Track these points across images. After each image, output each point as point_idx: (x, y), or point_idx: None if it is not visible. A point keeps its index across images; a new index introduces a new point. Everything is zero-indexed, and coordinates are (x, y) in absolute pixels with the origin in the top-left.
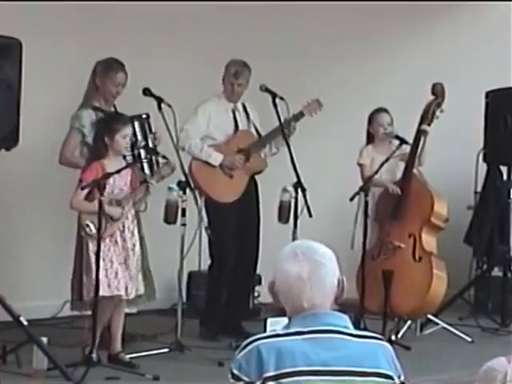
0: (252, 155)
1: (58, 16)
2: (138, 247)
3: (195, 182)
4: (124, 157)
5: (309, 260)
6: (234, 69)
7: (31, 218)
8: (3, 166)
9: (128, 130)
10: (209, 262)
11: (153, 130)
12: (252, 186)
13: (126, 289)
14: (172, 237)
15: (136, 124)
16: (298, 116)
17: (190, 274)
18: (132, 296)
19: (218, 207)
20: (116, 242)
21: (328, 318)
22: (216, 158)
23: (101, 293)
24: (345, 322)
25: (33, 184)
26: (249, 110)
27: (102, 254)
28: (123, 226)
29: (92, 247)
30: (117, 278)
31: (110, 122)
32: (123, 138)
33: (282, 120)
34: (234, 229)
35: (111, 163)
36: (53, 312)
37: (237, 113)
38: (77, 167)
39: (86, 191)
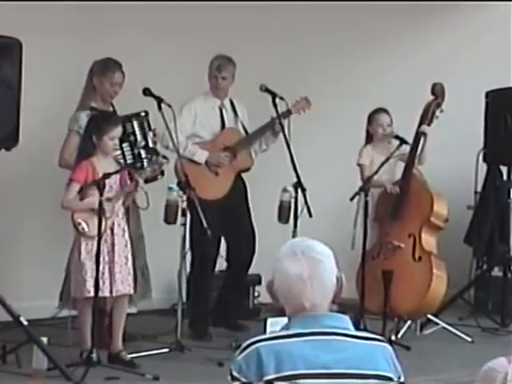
0: (238, 153)
1: (58, 16)
2: (129, 244)
3: (180, 179)
4: (124, 156)
5: (308, 259)
6: (217, 62)
7: (31, 218)
8: (3, 165)
9: (117, 132)
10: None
11: (152, 126)
12: (239, 184)
13: (111, 290)
14: (172, 237)
15: (135, 123)
16: (286, 114)
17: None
18: (118, 294)
19: (201, 205)
20: (106, 240)
21: (328, 320)
22: (200, 156)
23: (86, 294)
24: (345, 323)
25: (33, 184)
26: (237, 106)
27: (91, 253)
28: (113, 224)
29: (84, 246)
30: (102, 278)
31: (99, 122)
32: (111, 139)
33: (270, 118)
34: (219, 228)
35: (100, 162)
36: (53, 312)
37: (224, 110)
38: None
39: (76, 190)
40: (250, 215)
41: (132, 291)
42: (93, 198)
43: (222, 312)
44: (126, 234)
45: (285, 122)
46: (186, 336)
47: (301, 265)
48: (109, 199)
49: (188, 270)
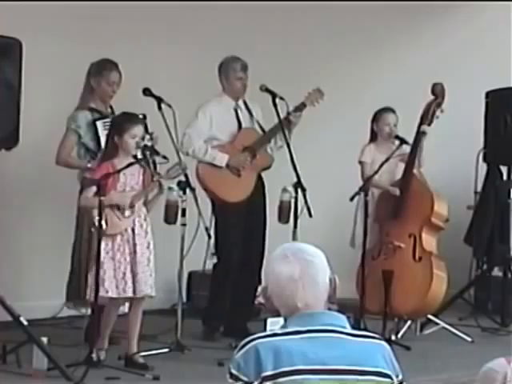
0: (258, 152)
1: (58, 16)
2: (152, 246)
3: (203, 184)
4: (135, 157)
5: (299, 260)
6: (240, 63)
7: (31, 218)
8: (3, 165)
9: (137, 130)
10: (214, 260)
11: (149, 130)
12: (259, 184)
13: (135, 290)
14: (172, 237)
15: None
16: (300, 107)
17: (190, 274)
18: (141, 295)
19: (225, 208)
20: (128, 240)
21: (325, 318)
22: (221, 160)
23: (109, 294)
24: (342, 321)
25: (33, 184)
26: (250, 106)
27: (111, 252)
28: (134, 224)
29: (103, 245)
30: (124, 278)
31: (119, 122)
32: (132, 137)
33: (284, 114)
34: (242, 228)
35: (121, 163)
36: (53, 312)
37: (239, 111)
38: (73, 168)
39: (94, 189)
40: (266, 216)
41: (153, 293)
42: (110, 195)
43: (235, 318)
44: (149, 236)
45: (298, 116)
46: (195, 335)
47: (292, 266)
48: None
49: (188, 270)
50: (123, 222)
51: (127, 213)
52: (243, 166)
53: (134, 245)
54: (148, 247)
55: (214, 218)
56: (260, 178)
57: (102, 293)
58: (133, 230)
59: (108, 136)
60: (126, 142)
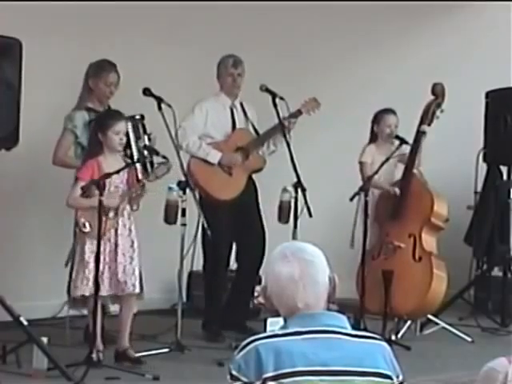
0: (251, 153)
1: (58, 16)
2: (136, 244)
3: (194, 179)
4: (131, 156)
5: (299, 260)
6: (231, 59)
7: (31, 218)
8: (2, 166)
9: (121, 126)
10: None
11: (147, 131)
12: (250, 185)
13: (111, 289)
14: (172, 237)
15: (129, 124)
16: (296, 114)
17: (190, 274)
18: (125, 293)
19: (213, 206)
20: (109, 240)
21: (326, 319)
22: (214, 156)
23: (82, 292)
24: (342, 322)
25: (33, 184)
26: (246, 108)
27: (93, 253)
28: (117, 223)
29: (89, 245)
30: (101, 277)
31: (102, 119)
32: (116, 134)
33: (282, 117)
34: (230, 228)
35: (107, 160)
36: (53, 312)
37: (235, 111)
38: (70, 168)
39: (80, 190)
40: (261, 216)
41: (137, 290)
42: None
43: (232, 314)
44: (133, 234)
45: (293, 122)
46: (195, 335)
47: (292, 266)
48: (112, 196)
49: (188, 270)
50: (107, 223)
51: (111, 214)
52: (234, 165)
53: (116, 244)
54: (132, 246)
55: (203, 216)
56: (251, 179)
57: (85, 292)
58: (116, 230)
59: (92, 133)
60: (110, 139)
